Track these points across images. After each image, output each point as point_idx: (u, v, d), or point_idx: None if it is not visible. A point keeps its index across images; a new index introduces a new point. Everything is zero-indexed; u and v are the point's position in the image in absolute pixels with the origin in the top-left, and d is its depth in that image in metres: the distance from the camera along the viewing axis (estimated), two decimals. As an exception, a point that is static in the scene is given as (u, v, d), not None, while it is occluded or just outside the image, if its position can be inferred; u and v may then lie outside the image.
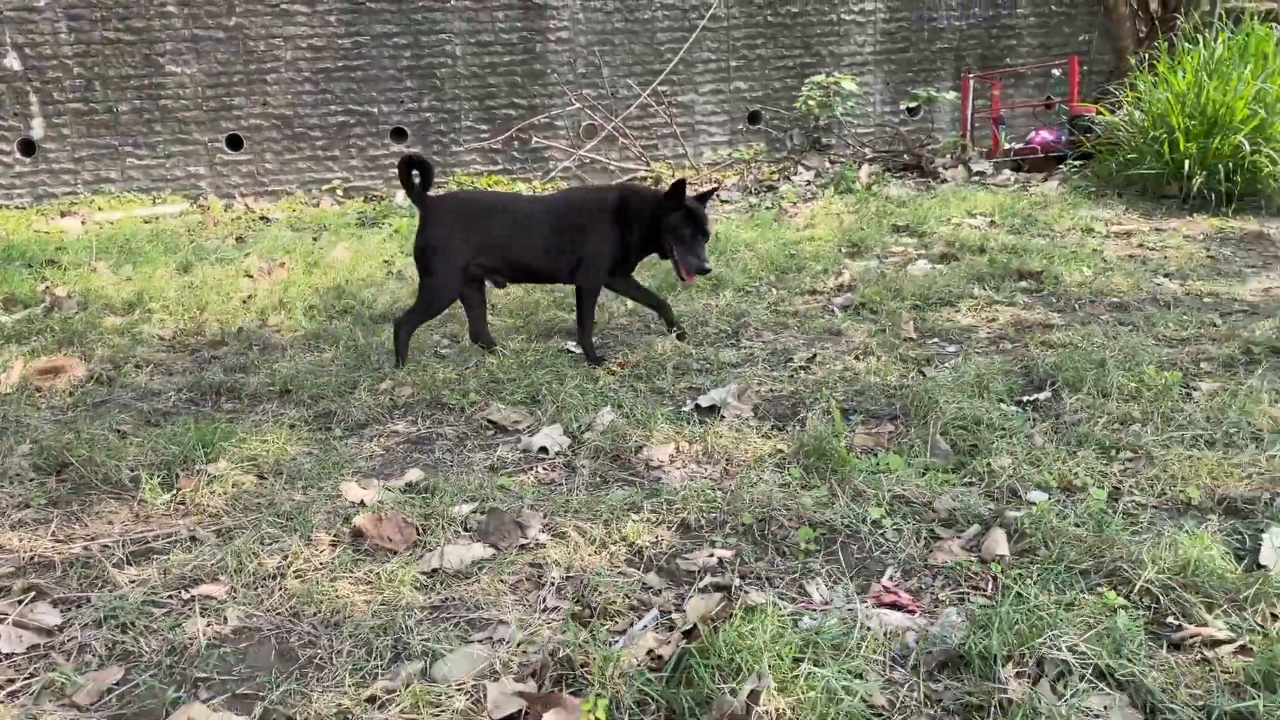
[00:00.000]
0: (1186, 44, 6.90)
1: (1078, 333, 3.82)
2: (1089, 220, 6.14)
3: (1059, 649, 1.75)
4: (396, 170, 3.78)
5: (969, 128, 8.75)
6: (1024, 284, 4.73)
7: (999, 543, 2.24)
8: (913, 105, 9.70)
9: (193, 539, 2.44)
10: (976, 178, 8.04)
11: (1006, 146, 8.53)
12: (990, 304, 4.45)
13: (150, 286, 5.12)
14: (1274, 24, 7.47)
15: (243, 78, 8.76)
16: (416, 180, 3.69)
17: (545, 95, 9.31)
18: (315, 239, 6.69)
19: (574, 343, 4.07)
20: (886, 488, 2.53)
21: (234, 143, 8.88)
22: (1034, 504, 2.40)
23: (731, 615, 1.83)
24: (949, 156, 8.63)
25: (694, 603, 1.98)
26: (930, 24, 9.80)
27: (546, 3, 9.14)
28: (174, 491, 2.71)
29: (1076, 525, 2.28)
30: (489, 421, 3.21)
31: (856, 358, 3.76)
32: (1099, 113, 7.57)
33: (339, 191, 8.97)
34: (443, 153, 9.23)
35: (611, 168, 9.27)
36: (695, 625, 1.81)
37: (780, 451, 2.85)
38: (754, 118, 9.76)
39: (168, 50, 8.59)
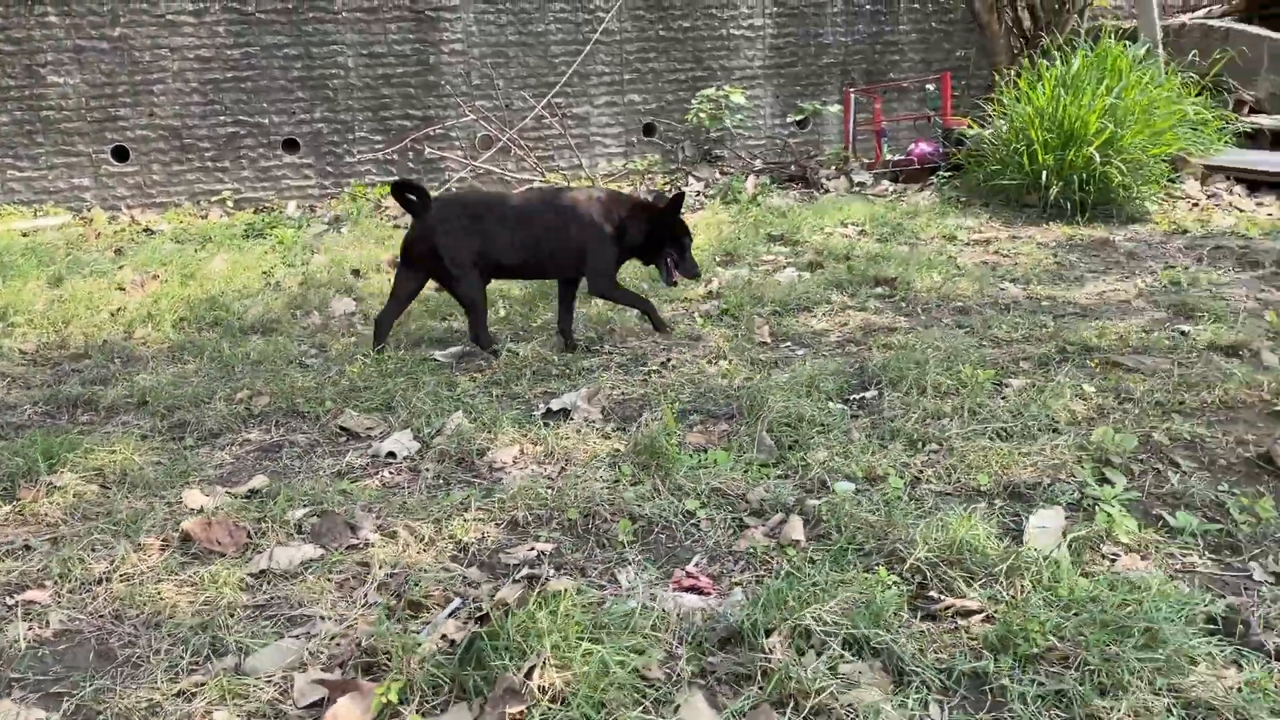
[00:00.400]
0: (1045, 61, 7.29)
1: (917, 335, 4.06)
2: (953, 229, 6.45)
3: (817, 621, 1.92)
4: (392, 194, 4.03)
5: (851, 140, 9.08)
6: (879, 290, 4.97)
7: (795, 529, 2.42)
8: (801, 118, 9.99)
9: (26, 547, 2.48)
10: (857, 188, 8.35)
11: (888, 158, 8.87)
12: (844, 309, 4.67)
13: (17, 300, 5.06)
14: (1128, 41, 7.93)
15: (128, 89, 8.64)
16: (412, 199, 3.95)
17: (440, 106, 9.37)
18: (199, 251, 6.65)
19: (440, 351, 4.16)
20: (705, 482, 2.69)
21: (120, 154, 8.74)
22: (836, 493, 2.58)
23: (528, 602, 1.96)
24: (833, 168, 8.94)
25: (501, 592, 2.11)
26: (817, 39, 10.12)
27: (439, 15, 9.21)
28: (13, 502, 2.73)
29: (870, 512, 2.46)
30: (341, 428, 3.30)
31: (709, 362, 3.93)
32: (970, 126, 7.94)
33: (229, 203, 8.89)
34: (336, 163, 9.22)
35: (509, 178, 9.36)
36: (488, 612, 1.94)
37: (617, 451, 2.99)
38: (649, 129, 9.95)
39: (49, 61, 8.43)
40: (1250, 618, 1.95)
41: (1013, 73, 7.88)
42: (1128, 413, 3.10)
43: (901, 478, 2.70)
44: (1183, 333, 4.00)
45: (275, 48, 8.91)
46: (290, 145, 9.13)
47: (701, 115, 9.28)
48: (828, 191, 8.31)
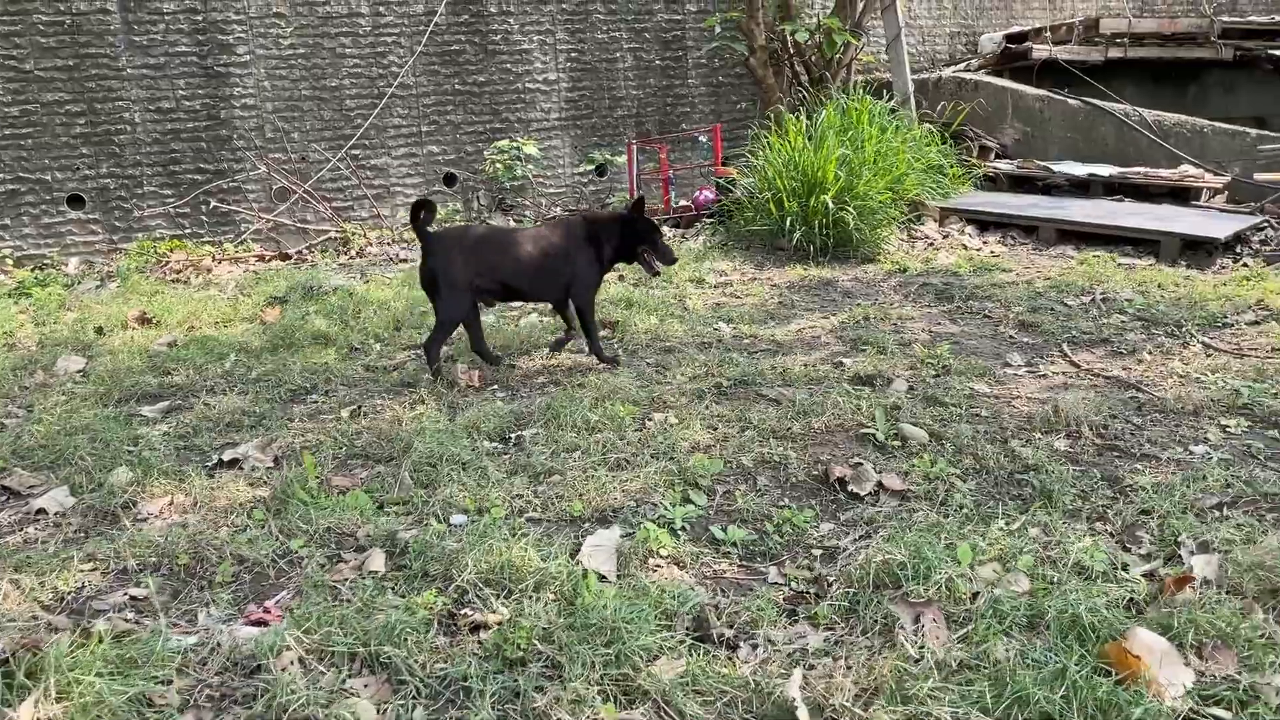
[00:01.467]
0: (791, 115, 7.86)
1: (604, 376, 4.37)
2: (705, 272, 6.88)
3: (330, 643, 2.15)
4: (409, 213, 4.55)
5: (635, 189, 9.51)
6: (603, 333, 5.29)
7: (376, 561, 2.65)
8: (599, 166, 10.40)
9: None
10: (641, 233, 8.75)
11: (676, 205, 9.32)
12: (562, 352, 4.96)
13: None
14: (872, 97, 8.63)
15: (-106, 146, 8.39)
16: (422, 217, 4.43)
17: (233, 159, 9.40)
18: (-47, 312, 6.53)
19: (149, 406, 4.27)
20: (320, 523, 2.90)
21: (-113, 213, 8.47)
22: (434, 527, 2.83)
23: (61, 644, 2.13)
24: (620, 214, 9.34)
25: (37, 636, 2.26)
26: (610, 93, 10.58)
27: (229, 71, 9.27)
28: None
29: (456, 541, 2.72)
30: (3, 487, 3.37)
31: (408, 407, 4.15)
32: (737, 175, 8.46)
33: (9, 261, 8.69)
34: (125, 218, 9.13)
35: (309, 229, 9.45)
36: (8, 655, 2.10)
37: (260, 498, 3.17)
38: (449, 179, 10.18)
39: None
40: (710, 616, 2.27)
41: (768, 125, 8.45)
42: (741, 438, 3.46)
43: (507, 509, 2.96)
44: (840, 364, 4.44)
45: (57, 105, 8.81)
46: (76, 201, 9.00)
47: (498, 166, 9.60)
48: (613, 237, 8.69)
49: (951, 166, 8.56)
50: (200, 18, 9.20)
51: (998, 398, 3.93)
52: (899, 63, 9.55)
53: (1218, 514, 2.74)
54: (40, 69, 8.73)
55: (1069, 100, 9.48)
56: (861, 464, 3.10)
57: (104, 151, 9.02)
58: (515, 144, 9.58)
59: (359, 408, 4.11)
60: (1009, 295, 5.66)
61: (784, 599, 2.40)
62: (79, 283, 7.43)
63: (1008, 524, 2.68)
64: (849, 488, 3.00)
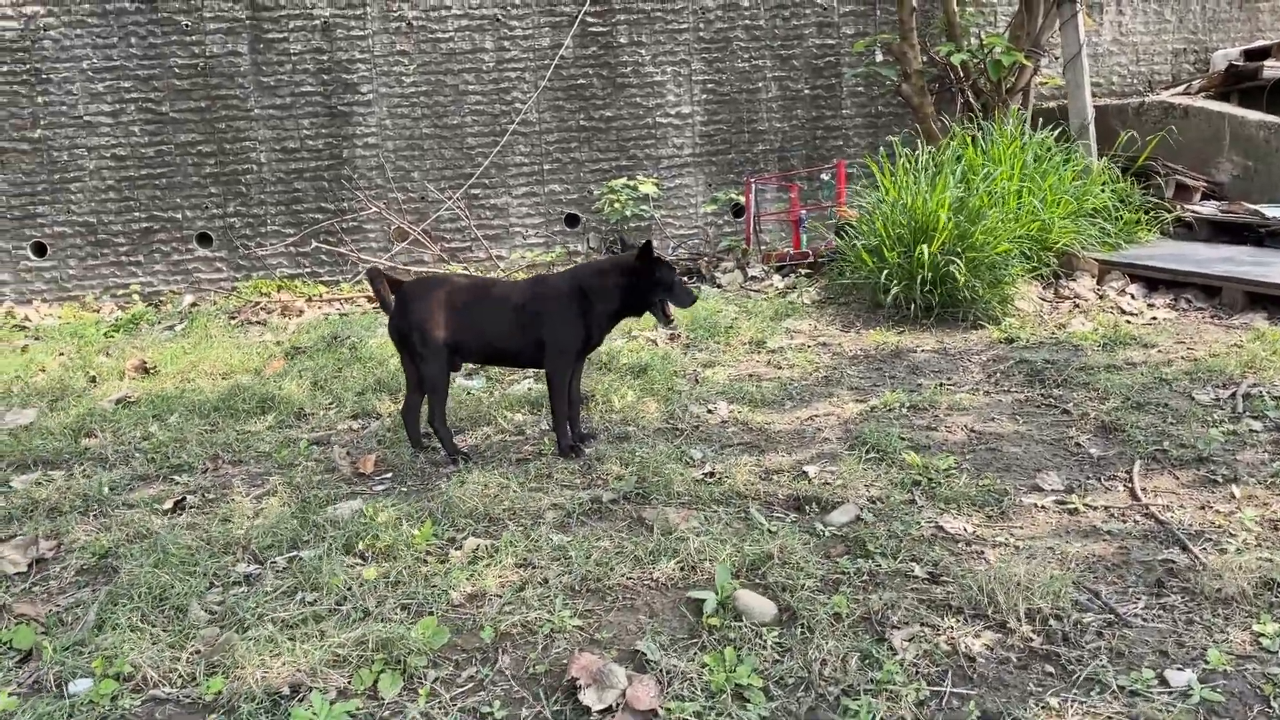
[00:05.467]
0: (906, 149, 6.63)
1: (471, 476, 3.52)
2: (774, 332, 5.82)
3: None
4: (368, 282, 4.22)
5: (753, 230, 8.50)
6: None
7: None
8: (737, 206, 9.50)
9: None
10: (750, 282, 7.78)
11: (806, 249, 8.25)
12: (502, 432, 4.16)
13: None
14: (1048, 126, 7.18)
15: (47, 187, 8.93)
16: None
17: (353, 199, 9.32)
18: (24, 349, 6.66)
19: (22, 477, 3.88)
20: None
21: (39, 250, 9.01)
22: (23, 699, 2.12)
23: None
24: (734, 260, 8.39)
25: None
26: (751, 126, 9.65)
27: (353, 110, 9.22)
28: None
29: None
30: None
31: (263, 497, 3.50)
32: (855, 218, 7.29)
33: (137, 296, 9.01)
34: (248, 256, 9.25)
35: (424, 271, 9.19)
36: None
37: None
38: (572, 220, 9.64)
39: (-10, 160, 8.80)
40: None
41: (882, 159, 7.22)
42: (537, 590, 2.50)
43: (139, 678, 2.20)
44: (803, 473, 3.34)
45: (189, 145, 9.08)
46: (204, 239, 9.23)
47: (617, 205, 8.94)
48: (719, 285, 7.77)
49: (1126, 210, 6.93)
50: (326, 57, 9.22)
51: (969, 544, 2.71)
52: (1077, 86, 7.99)
53: None
54: (175, 110, 9.02)
55: (1304, 127, 7.52)
56: (611, 665, 2.07)
57: (231, 191, 9.20)
58: (632, 183, 8.87)
59: (183, 499, 3.49)
60: (1116, 383, 4.23)
61: None
62: (154, 322, 7.44)
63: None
64: (582, 698, 2.00)
